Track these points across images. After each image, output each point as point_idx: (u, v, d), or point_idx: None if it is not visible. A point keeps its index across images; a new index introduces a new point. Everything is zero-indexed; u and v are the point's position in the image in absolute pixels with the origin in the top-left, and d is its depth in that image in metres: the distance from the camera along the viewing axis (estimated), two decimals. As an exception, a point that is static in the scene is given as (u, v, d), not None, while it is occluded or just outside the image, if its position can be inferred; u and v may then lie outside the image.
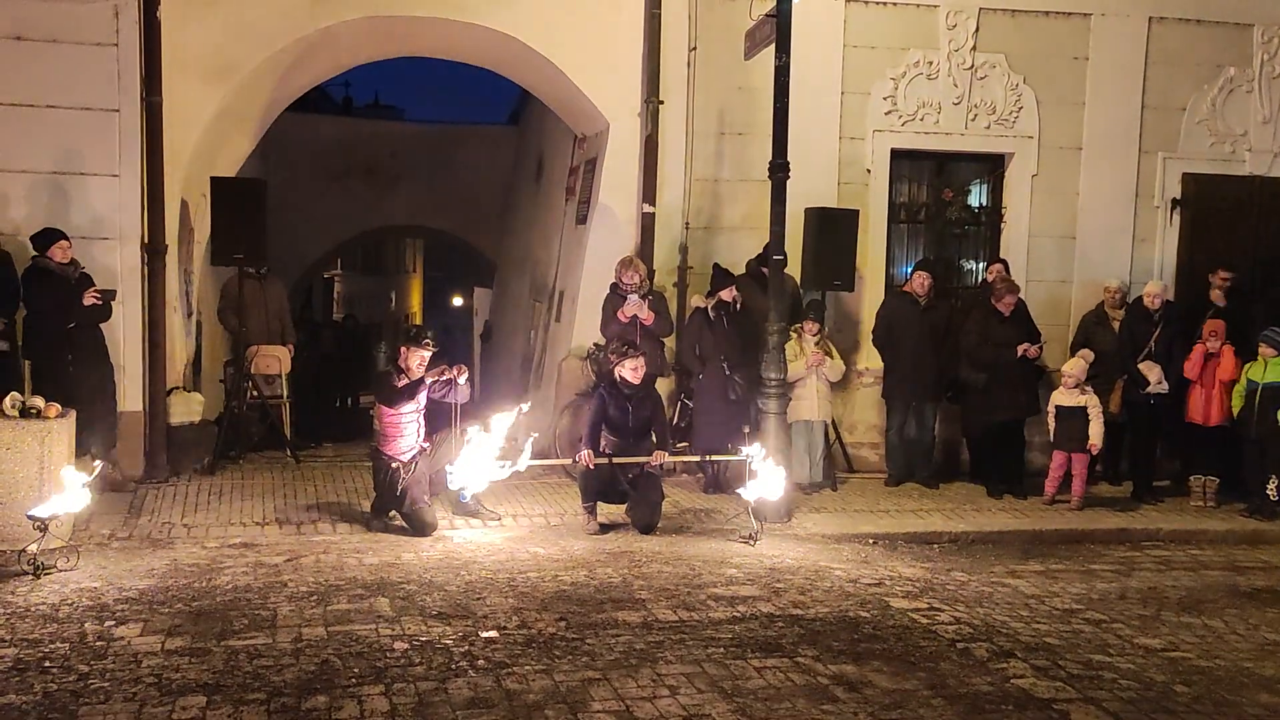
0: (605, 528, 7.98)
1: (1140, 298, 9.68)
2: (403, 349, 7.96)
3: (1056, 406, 9.27)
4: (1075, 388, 9.18)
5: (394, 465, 7.73)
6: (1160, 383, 9.35)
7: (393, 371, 7.99)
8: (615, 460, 7.94)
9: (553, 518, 8.25)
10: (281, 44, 9.43)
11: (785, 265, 8.49)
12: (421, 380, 7.75)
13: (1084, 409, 9.12)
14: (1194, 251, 10.72)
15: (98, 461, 7.26)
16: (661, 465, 8.13)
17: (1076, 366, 9.27)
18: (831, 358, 9.38)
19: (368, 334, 22.41)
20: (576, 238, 10.96)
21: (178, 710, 4.45)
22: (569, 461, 8.48)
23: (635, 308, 9.06)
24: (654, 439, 8.21)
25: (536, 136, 14.31)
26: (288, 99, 11.03)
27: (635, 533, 7.91)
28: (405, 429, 7.82)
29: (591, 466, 7.85)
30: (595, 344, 9.66)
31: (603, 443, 8.08)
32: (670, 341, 9.76)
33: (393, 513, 7.83)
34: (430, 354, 7.86)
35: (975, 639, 5.71)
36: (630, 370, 8.06)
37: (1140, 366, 9.38)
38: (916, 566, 7.33)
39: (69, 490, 6.61)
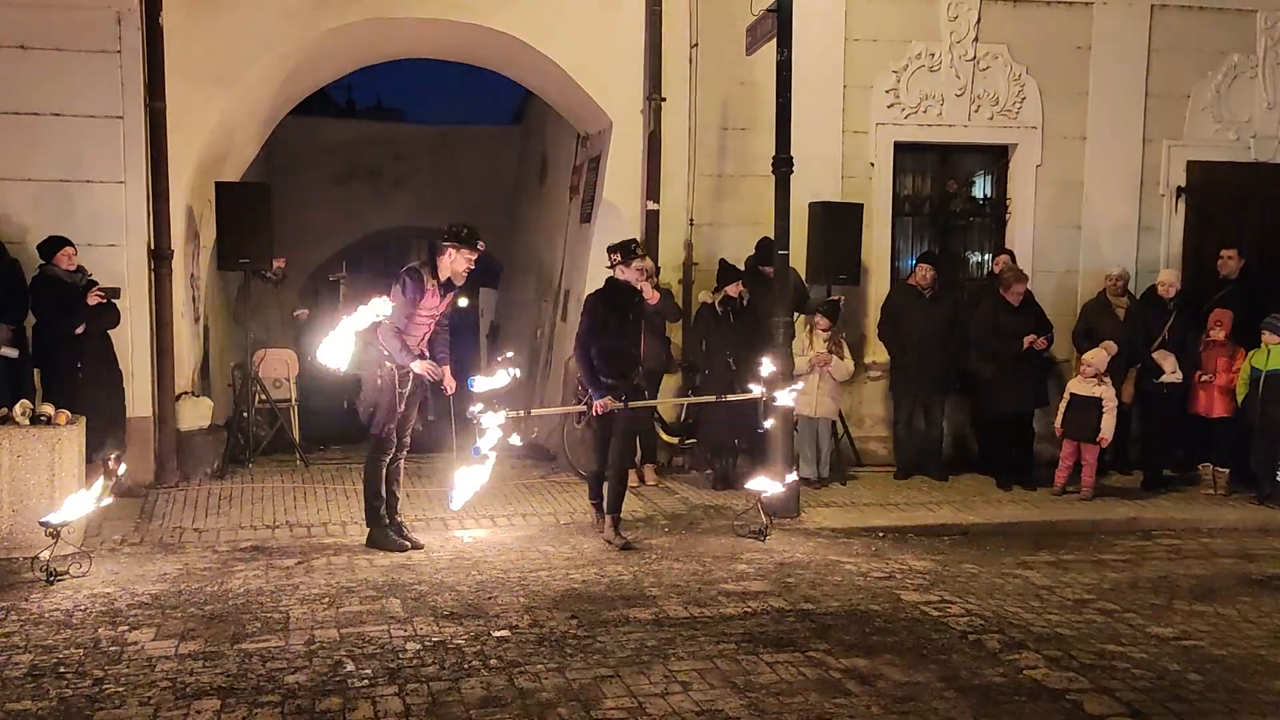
0: (615, 525, 7.95)
1: (1154, 286, 9.66)
2: (450, 248, 6.94)
3: (1071, 394, 9.22)
4: (1094, 377, 9.14)
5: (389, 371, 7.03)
6: (1174, 372, 9.33)
7: (421, 273, 6.94)
8: (632, 405, 7.43)
9: (562, 516, 8.25)
10: (284, 48, 9.45)
11: (787, 261, 8.46)
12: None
13: (1098, 400, 9.08)
14: (1200, 239, 10.67)
15: (117, 460, 7.25)
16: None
17: (1098, 357, 9.19)
18: (841, 358, 9.34)
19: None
20: (581, 236, 10.97)
21: (192, 714, 4.47)
22: (581, 408, 7.62)
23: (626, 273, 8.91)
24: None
25: (539, 136, 14.31)
26: (291, 103, 11.06)
27: (644, 530, 7.89)
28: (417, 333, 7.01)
29: (614, 411, 7.27)
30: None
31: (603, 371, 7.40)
32: (677, 338, 9.75)
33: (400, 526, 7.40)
34: (478, 256, 7.07)
35: (987, 631, 5.71)
36: (635, 272, 7.39)
37: (1154, 355, 9.36)
38: (927, 559, 7.33)
39: (88, 493, 6.64)
